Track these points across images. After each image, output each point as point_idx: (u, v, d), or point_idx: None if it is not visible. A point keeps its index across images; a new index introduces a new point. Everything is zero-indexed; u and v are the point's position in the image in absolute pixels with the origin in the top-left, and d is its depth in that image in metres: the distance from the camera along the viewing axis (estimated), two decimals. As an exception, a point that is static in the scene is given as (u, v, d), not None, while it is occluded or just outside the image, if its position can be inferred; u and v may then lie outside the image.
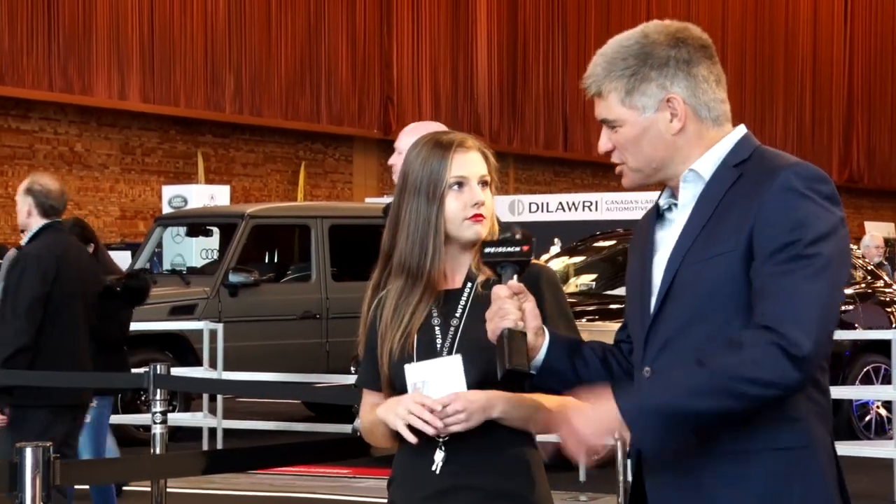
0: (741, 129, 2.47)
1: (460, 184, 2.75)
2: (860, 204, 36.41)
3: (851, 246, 13.27)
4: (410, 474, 2.74)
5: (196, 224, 13.43)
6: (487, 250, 2.54)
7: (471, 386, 2.66)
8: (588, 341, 2.62)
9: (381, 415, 2.69)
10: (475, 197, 2.75)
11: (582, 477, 8.51)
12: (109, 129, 22.11)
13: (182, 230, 13.74)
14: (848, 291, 10.82)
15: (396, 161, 5.15)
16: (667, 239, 2.46)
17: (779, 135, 34.20)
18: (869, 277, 11.34)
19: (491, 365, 2.60)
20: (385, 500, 2.83)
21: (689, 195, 2.44)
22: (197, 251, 14.56)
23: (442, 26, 27.05)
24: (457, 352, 2.70)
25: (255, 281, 11.26)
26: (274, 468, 7.89)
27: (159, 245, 13.13)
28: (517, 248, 2.52)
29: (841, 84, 36.73)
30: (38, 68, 20.68)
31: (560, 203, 18.52)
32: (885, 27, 37.67)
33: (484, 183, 2.79)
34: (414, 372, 2.70)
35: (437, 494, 2.68)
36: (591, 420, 2.31)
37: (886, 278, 11.88)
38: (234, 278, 11.10)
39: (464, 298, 2.77)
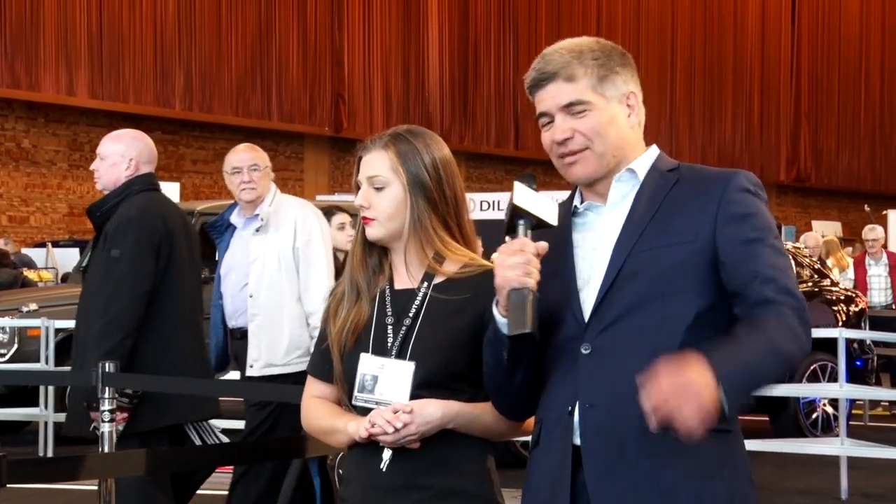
0: (656, 148, 2.63)
1: (359, 187, 2.79)
2: (807, 203, 36.73)
3: (798, 244, 13.45)
4: (359, 472, 2.73)
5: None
6: (521, 197, 2.44)
7: (416, 386, 2.66)
8: None
9: (353, 430, 2.67)
10: (359, 199, 2.78)
11: (532, 475, 8.53)
12: (57, 125, 21.94)
13: (131, 227, 13.63)
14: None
15: (98, 166, 5.16)
16: (596, 234, 2.53)
17: (728, 136, 34.44)
18: (816, 276, 11.42)
19: (434, 369, 2.66)
20: None
21: (619, 194, 2.53)
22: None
23: (393, 24, 27.02)
24: (409, 355, 2.69)
25: (205, 279, 11.19)
26: (226, 466, 7.85)
27: (108, 242, 13.03)
28: (549, 220, 2.47)
29: (788, 87, 37.01)
30: (-16, 63, 20.51)
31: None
32: (830, 33, 37.99)
33: (378, 187, 2.76)
34: (367, 363, 2.71)
35: (385, 492, 2.68)
36: (682, 385, 2.19)
37: (832, 277, 11.97)
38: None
39: (418, 299, 2.75)
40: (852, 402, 10.63)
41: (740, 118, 35.46)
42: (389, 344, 2.72)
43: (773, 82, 36.54)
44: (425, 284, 2.76)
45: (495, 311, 2.47)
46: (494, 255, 2.50)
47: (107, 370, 4.86)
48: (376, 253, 2.81)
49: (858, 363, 10.93)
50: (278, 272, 5.75)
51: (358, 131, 24.93)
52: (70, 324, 10.16)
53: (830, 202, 37.14)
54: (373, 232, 2.75)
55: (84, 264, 5.15)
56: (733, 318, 2.44)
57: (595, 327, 2.45)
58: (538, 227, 2.45)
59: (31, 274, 15.53)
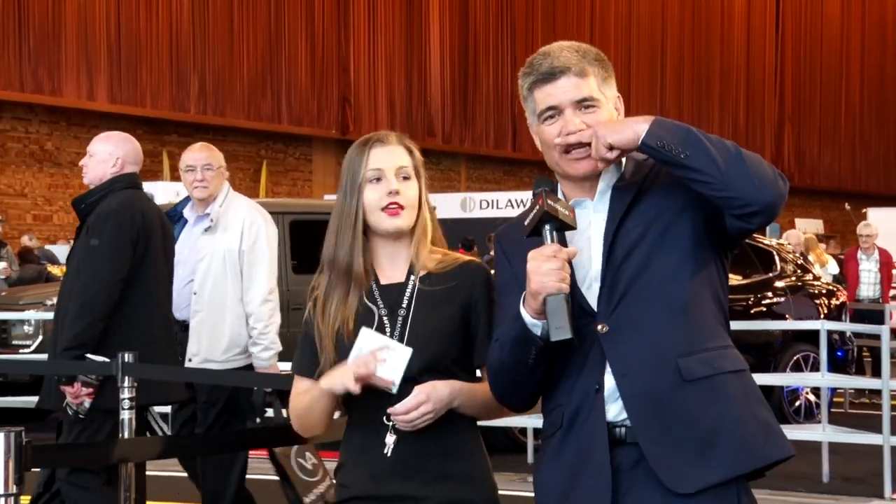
0: None
1: (378, 177, 2.71)
2: (791, 202, 36.53)
3: (782, 241, 13.44)
4: (361, 458, 2.71)
5: (162, 219, 13.32)
6: (550, 201, 2.41)
7: (419, 372, 2.65)
8: None
9: (326, 384, 2.65)
10: (390, 186, 2.70)
11: (530, 459, 8.53)
12: (78, 129, 21.94)
13: (148, 225, 13.61)
14: (779, 284, 10.94)
15: (87, 162, 5.25)
16: (589, 225, 2.53)
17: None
18: (799, 271, 11.41)
19: (436, 355, 2.66)
20: None
21: (605, 185, 2.55)
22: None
23: (396, 32, 27.02)
24: (406, 343, 2.67)
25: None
26: (244, 450, 7.84)
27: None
28: (568, 212, 2.44)
29: (772, 92, 37.05)
30: (9, 70, 20.51)
31: (509, 200, 18.61)
32: (812, 41, 38.03)
33: (405, 176, 2.73)
34: (368, 338, 2.68)
35: (389, 476, 2.67)
36: (616, 120, 2.47)
37: (815, 271, 11.97)
38: (198, 271, 11.03)
39: (408, 291, 2.73)
40: (833, 391, 10.63)
41: (727, 122, 35.46)
42: (388, 334, 2.70)
43: (758, 88, 36.57)
44: (412, 277, 2.74)
45: (524, 314, 2.43)
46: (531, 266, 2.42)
47: (126, 360, 4.87)
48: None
49: (839, 354, 10.94)
50: (223, 272, 5.68)
51: (363, 133, 24.66)
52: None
53: (813, 201, 37.15)
54: (403, 222, 2.72)
55: (68, 254, 5.20)
56: (720, 269, 2.53)
57: (606, 307, 2.47)
58: (562, 230, 2.43)
59: (54, 269, 15.54)
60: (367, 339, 2.68)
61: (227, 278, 5.69)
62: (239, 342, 5.71)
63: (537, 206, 2.41)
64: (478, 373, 2.77)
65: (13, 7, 20.44)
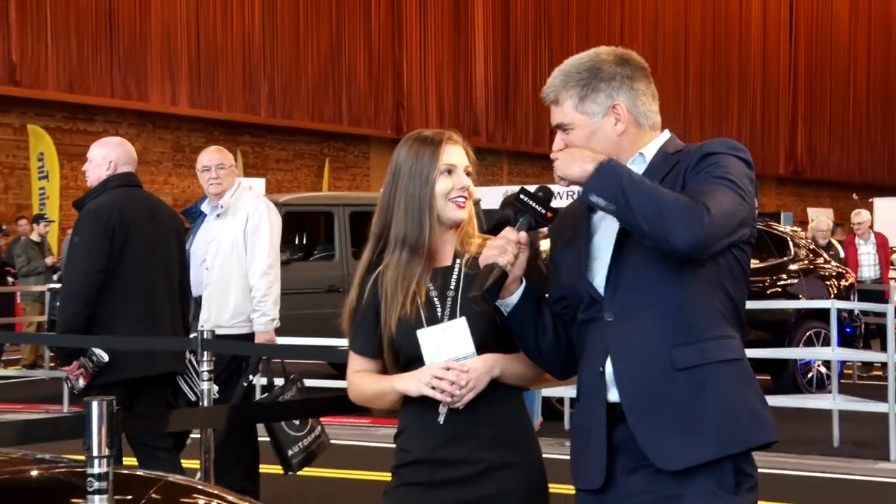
0: (668, 132, 2.58)
1: (450, 171, 2.73)
2: (803, 193, 36.43)
3: (796, 228, 13.35)
4: (418, 426, 2.71)
5: (236, 211, 13.39)
6: (522, 196, 2.51)
7: (482, 339, 2.65)
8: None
9: (399, 386, 2.67)
10: (462, 181, 2.73)
11: (566, 425, 8.51)
12: (163, 131, 22.13)
13: (224, 216, 13.67)
14: (793, 267, 10.89)
15: (87, 167, 5.32)
16: (611, 218, 2.48)
17: (733, 135, 34.13)
18: (811, 255, 11.35)
19: (483, 330, 2.64)
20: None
21: None
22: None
23: (444, 41, 27.03)
24: (460, 314, 2.67)
25: (288, 260, 11.23)
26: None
27: (205, 229, 13.09)
28: (544, 210, 2.51)
29: (786, 93, 36.73)
30: (101, 79, 20.70)
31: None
32: (823, 46, 37.67)
33: (468, 173, 2.76)
34: (426, 337, 2.67)
35: (443, 443, 2.66)
36: (574, 154, 2.42)
37: (825, 255, 11.89)
38: (269, 257, 11.09)
39: (455, 273, 2.73)
40: (843, 364, 10.56)
41: (744, 120, 35.20)
42: (440, 313, 2.70)
43: (773, 89, 36.25)
44: (458, 262, 2.74)
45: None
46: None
47: (205, 337, 4.91)
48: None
49: (848, 330, 10.88)
50: (230, 251, 5.89)
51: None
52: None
53: (823, 192, 36.81)
54: (466, 213, 2.74)
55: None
56: (732, 263, 2.43)
57: (611, 298, 2.44)
58: (533, 227, 2.49)
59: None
60: (428, 335, 2.68)
61: (232, 256, 5.90)
62: (243, 311, 5.91)
63: (514, 203, 2.51)
64: None
65: (105, 23, 20.63)
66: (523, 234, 2.48)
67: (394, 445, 2.80)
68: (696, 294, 2.40)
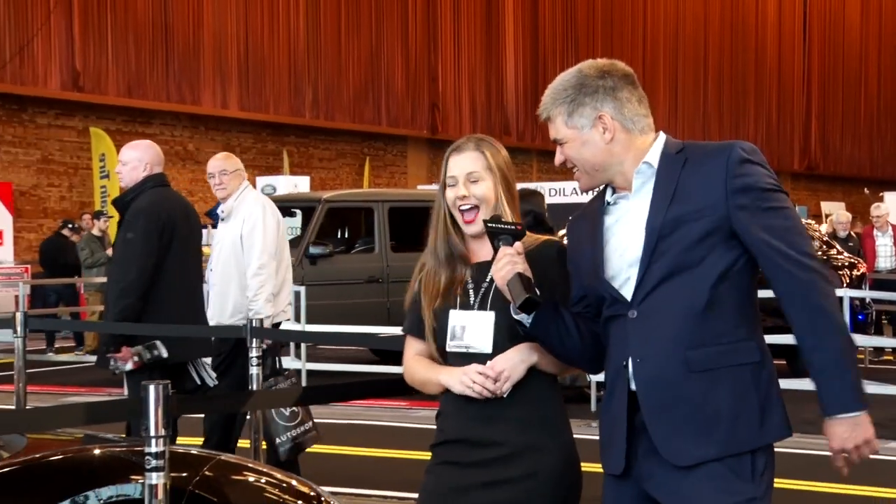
0: (663, 134, 2.56)
1: (453, 183, 2.73)
2: (816, 187, 36.10)
3: (810, 221, 13.23)
4: (456, 408, 2.70)
5: (283, 207, 13.38)
6: (489, 225, 2.58)
7: (503, 336, 2.64)
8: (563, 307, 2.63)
9: (444, 380, 2.68)
10: (458, 192, 2.71)
11: (594, 407, 8.49)
12: (214, 132, 22.24)
13: (272, 212, 13.71)
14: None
15: (121, 169, 5.34)
16: (624, 220, 2.48)
17: (750, 133, 33.93)
18: (824, 247, 11.27)
19: (515, 325, 2.61)
20: (435, 428, 2.82)
21: (640, 182, 2.49)
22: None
23: (477, 46, 26.99)
24: (490, 308, 2.67)
25: (330, 252, 11.28)
26: (347, 401, 7.93)
27: (254, 224, 13.13)
28: (511, 226, 2.57)
29: (800, 92, 36.42)
30: (157, 84, 20.83)
31: (574, 188, 18.42)
32: (835, 48, 37.33)
33: (474, 180, 2.71)
34: (456, 317, 2.70)
35: (476, 425, 2.66)
36: (855, 430, 2.36)
37: (838, 247, 11.79)
38: (313, 250, 11.13)
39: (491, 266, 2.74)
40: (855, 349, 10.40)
41: (761, 118, 34.93)
42: (472, 301, 2.70)
43: (788, 89, 35.95)
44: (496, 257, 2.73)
45: (511, 310, 2.55)
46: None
47: (254, 325, 4.92)
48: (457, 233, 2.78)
49: (860, 317, 10.78)
50: (231, 253, 5.90)
51: (450, 133, 24.95)
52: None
53: (836, 186, 36.47)
54: (476, 228, 2.71)
55: (114, 242, 5.32)
56: (753, 267, 2.42)
57: (639, 296, 2.42)
58: (516, 237, 2.56)
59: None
60: (456, 317, 2.69)
61: (231, 258, 5.91)
62: (241, 309, 5.90)
63: (490, 232, 2.59)
64: None
65: (161, 33, 20.77)
66: (518, 245, 2.54)
67: (430, 426, 2.80)
68: (717, 299, 2.37)
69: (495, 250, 2.56)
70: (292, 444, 5.08)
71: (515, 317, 2.53)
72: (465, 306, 2.70)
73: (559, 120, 2.51)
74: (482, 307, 2.69)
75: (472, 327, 2.67)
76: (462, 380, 2.63)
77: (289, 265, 6.21)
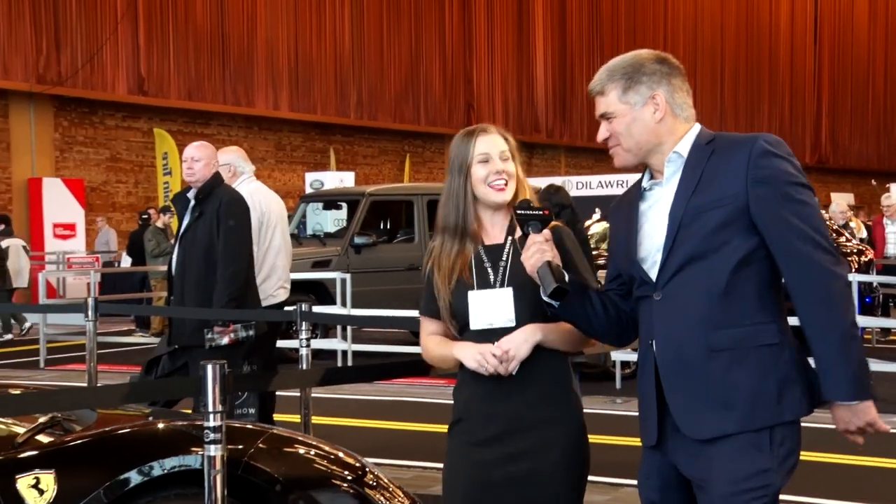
0: (698, 125, 2.50)
1: (486, 160, 2.68)
2: (826, 179, 35.69)
3: (821, 211, 13.13)
4: (472, 383, 2.68)
5: (330, 200, 13.52)
6: (518, 212, 2.54)
7: (522, 313, 2.62)
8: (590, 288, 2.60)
9: (458, 354, 2.65)
10: (496, 167, 2.66)
11: (618, 385, 8.45)
12: (267, 132, 22.34)
13: (320, 205, 13.80)
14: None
15: (193, 166, 5.28)
16: (656, 206, 2.45)
17: (764, 128, 33.60)
18: (834, 234, 11.13)
19: (532, 297, 2.58)
20: None
21: (671, 171, 2.44)
22: (331, 220, 14.64)
23: (509, 50, 26.90)
24: (507, 285, 2.64)
25: (374, 242, 11.30)
26: (389, 379, 7.95)
27: (304, 216, 13.23)
28: (539, 212, 2.52)
29: (812, 91, 36.02)
30: (214, 88, 20.95)
31: (600, 181, 18.35)
32: (844, 49, 36.90)
33: (505, 158, 2.69)
34: (475, 298, 2.65)
35: (490, 398, 2.64)
36: (856, 415, 2.32)
37: (847, 234, 11.65)
38: (358, 240, 11.16)
39: (507, 247, 2.69)
40: (863, 329, 10.31)
41: (774, 114, 34.58)
42: (492, 280, 2.66)
43: (800, 87, 35.56)
44: (509, 238, 2.70)
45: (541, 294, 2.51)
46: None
47: (303, 309, 4.94)
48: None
49: (868, 300, 10.65)
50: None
51: (484, 131, 24.87)
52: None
53: (845, 178, 36.04)
54: (508, 195, 2.68)
55: (184, 229, 5.29)
56: (771, 257, 2.34)
57: (662, 279, 2.39)
58: (540, 225, 2.50)
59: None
60: (476, 297, 2.65)
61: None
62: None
63: (519, 219, 2.55)
64: None
65: (218, 41, 20.88)
66: (546, 232, 2.50)
67: None
68: (739, 282, 2.32)
69: (524, 236, 2.53)
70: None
71: (545, 298, 2.50)
72: (484, 286, 2.66)
73: (613, 94, 2.44)
74: (501, 285, 2.65)
75: (493, 305, 2.63)
76: (476, 357, 2.60)
77: (279, 251, 5.93)
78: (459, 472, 2.69)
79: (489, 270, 2.68)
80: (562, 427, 2.63)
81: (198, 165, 5.33)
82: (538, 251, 2.46)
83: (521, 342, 2.60)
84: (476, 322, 2.65)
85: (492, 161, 2.68)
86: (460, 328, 2.70)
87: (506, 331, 2.62)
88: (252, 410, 5.20)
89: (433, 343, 2.75)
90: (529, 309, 2.61)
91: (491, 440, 2.64)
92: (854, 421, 2.30)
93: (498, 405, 2.63)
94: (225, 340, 5.06)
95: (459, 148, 2.72)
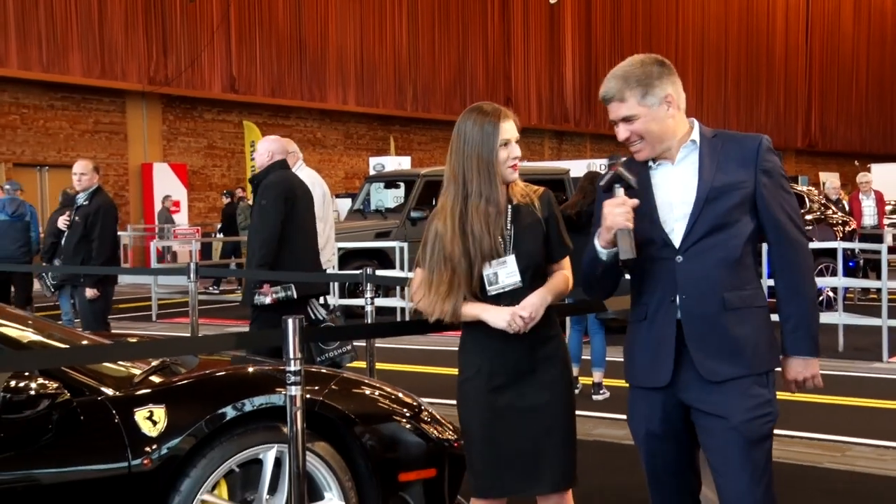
0: (694, 119, 2.50)
1: (507, 143, 2.65)
2: (815, 161, 35.01)
3: (811, 188, 12.86)
4: (475, 342, 2.71)
5: (390, 181, 13.53)
6: (620, 169, 2.41)
7: (522, 271, 2.62)
8: None
9: (486, 317, 2.62)
10: (514, 153, 2.66)
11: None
12: (337, 124, 22.38)
13: (382, 185, 13.81)
14: (808, 217, 10.55)
15: (256, 156, 5.33)
16: (671, 182, 2.43)
17: (762, 116, 33.05)
18: (822, 208, 10.97)
19: (533, 258, 2.62)
20: None
21: (683, 155, 2.45)
22: (391, 198, 14.64)
23: (541, 51, 26.64)
24: (511, 252, 2.64)
25: (427, 215, 11.29)
26: (440, 332, 7.94)
27: (368, 194, 13.26)
28: (632, 178, 2.42)
29: (803, 83, 35.26)
30: (294, 86, 21.00)
31: (619, 163, 18.17)
32: (831, 45, 36.03)
33: (517, 142, 2.70)
34: (488, 267, 2.64)
35: (496, 356, 2.66)
36: (807, 367, 2.42)
37: (834, 208, 11.45)
38: (414, 214, 11.17)
39: (509, 217, 2.66)
40: (847, 289, 10.29)
41: (771, 105, 33.93)
42: (503, 247, 2.65)
43: (793, 80, 34.83)
44: (509, 207, 2.68)
45: (596, 243, 2.43)
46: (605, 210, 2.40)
47: (368, 272, 4.95)
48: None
49: (851, 264, 10.48)
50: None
51: (521, 122, 24.63)
52: (343, 244, 10.41)
53: (831, 160, 35.32)
54: (517, 174, 2.68)
55: (252, 207, 5.35)
56: (760, 233, 2.42)
57: (686, 244, 2.38)
58: (628, 188, 2.40)
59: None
60: (489, 267, 2.63)
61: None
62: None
63: (611, 172, 2.41)
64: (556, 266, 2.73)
65: (297, 45, 20.92)
66: (633, 200, 2.39)
67: None
68: (745, 253, 2.38)
69: (606, 190, 2.40)
70: (329, 363, 5.04)
71: (621, 258, 2.38)
72: (494, 256, 2.64)
73: (633, 100, 2.40)
74: (507, 252, 2.64)
75: (503, 270, 2.64)
76: (506, 319, 2.59)
77: (330, 225, 5.97)
78: (474, 411, 2.69)
79: (499, 239, 2.66)
80: (559, 362, 2.69)
81: (257, 156, 5.41)
82: (625, 214, 2.34)
83: (539, 305, 2.62)
84: (491, 288, 2.65)
85: (511, 146, 2.67)
86: (482, 292, 2.65)
87: (515, 291, 2.62)
88: (348, 354, 5.16)
89: (438, 302, 2.67)
90: (530, 270, 2.65)
91: (501, 387, 2.66)
92: (803, 372, 2.41)
93: (501, 362, 2.66)
94: (267, 300, 5.06)
95: (486, 128, 2.65)
